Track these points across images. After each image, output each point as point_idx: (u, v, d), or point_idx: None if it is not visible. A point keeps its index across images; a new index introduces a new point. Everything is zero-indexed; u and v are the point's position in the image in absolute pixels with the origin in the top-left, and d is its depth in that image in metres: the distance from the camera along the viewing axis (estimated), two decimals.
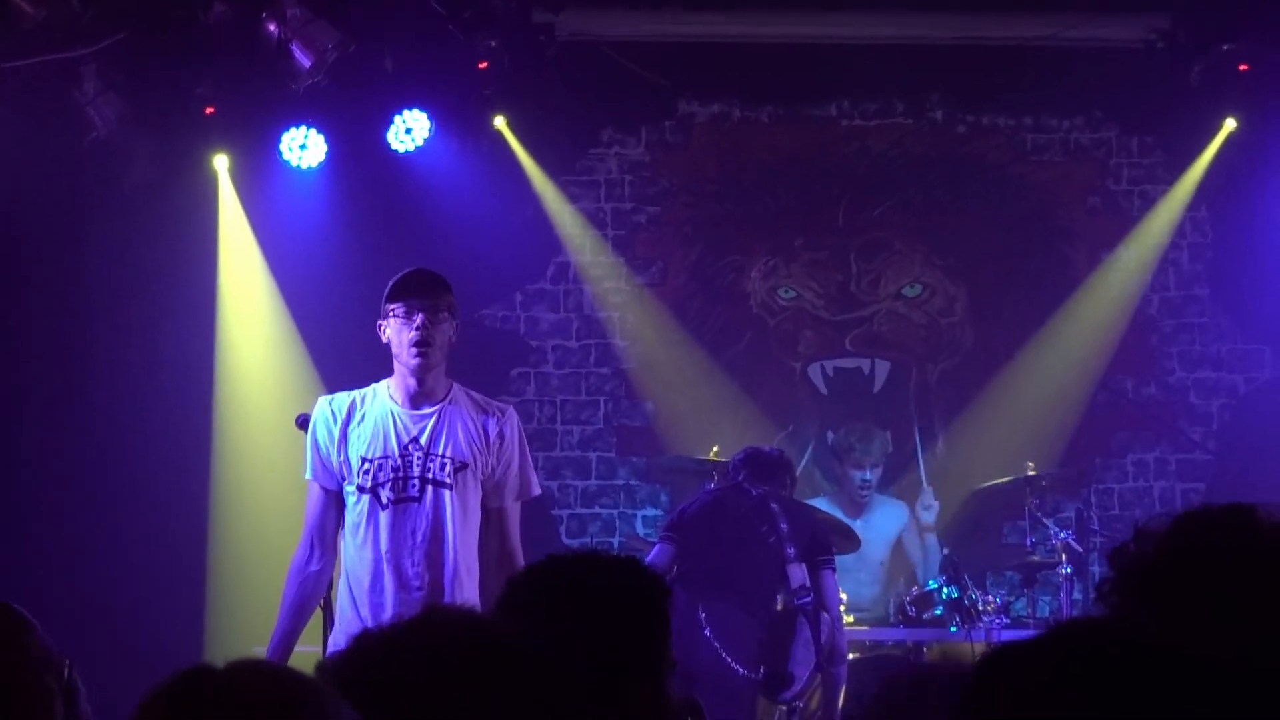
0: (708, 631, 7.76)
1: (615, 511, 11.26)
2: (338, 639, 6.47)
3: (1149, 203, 11.44)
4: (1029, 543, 9.87)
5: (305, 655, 6.05)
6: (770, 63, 11.34)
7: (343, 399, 6.74)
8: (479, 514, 6.66)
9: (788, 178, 11.45)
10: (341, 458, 6.62)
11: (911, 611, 9.44)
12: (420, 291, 6.60)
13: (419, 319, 6.53)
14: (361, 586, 6.56)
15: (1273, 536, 2.25)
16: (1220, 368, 11.40)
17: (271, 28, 9.52)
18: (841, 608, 9.14)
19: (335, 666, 2.43)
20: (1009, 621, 9.27)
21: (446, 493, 6.57)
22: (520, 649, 2.47)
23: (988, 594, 9.40)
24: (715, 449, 9.73)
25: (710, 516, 8.28)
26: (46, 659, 3.28)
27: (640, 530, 11.03)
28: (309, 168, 10.58)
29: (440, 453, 6.59)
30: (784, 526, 8.22)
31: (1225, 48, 10.54)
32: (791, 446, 10.99)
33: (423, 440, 6.61)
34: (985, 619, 9.12)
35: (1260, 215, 11.15)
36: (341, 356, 9.89)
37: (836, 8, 11.00)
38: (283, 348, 10.80)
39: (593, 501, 11.26)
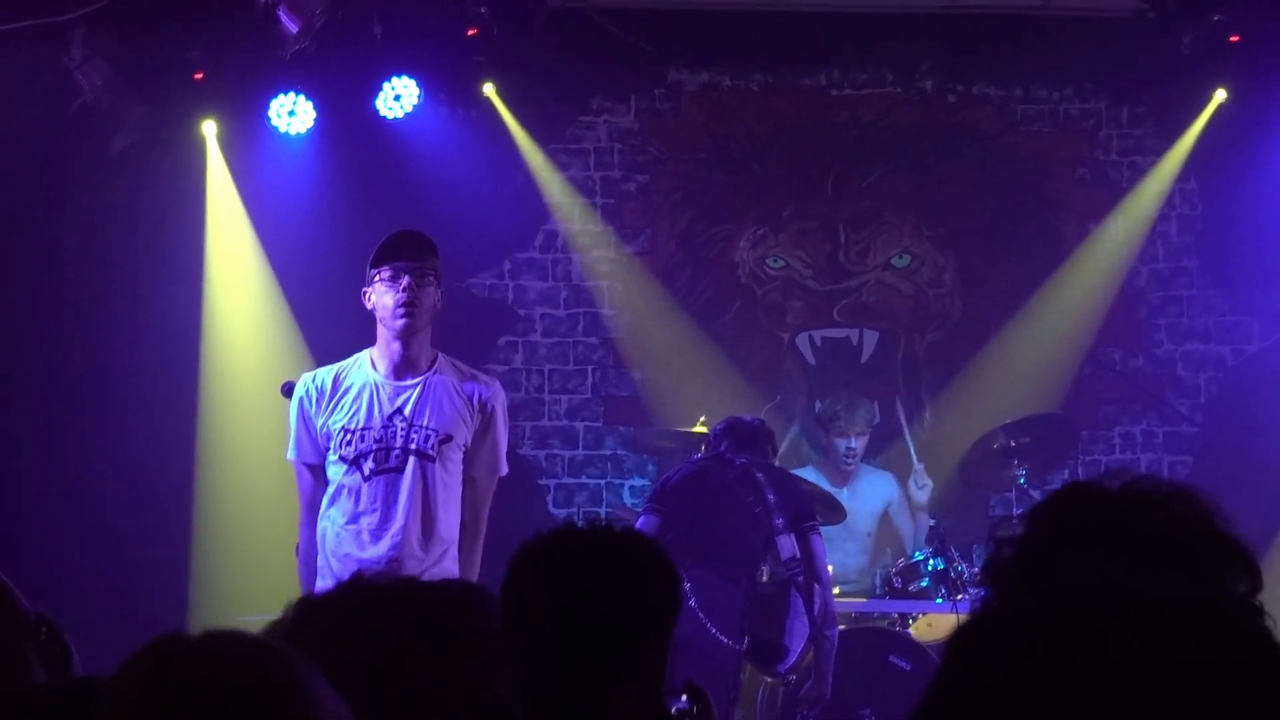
0: (693, 602, 7.75)
1: (602, 481, 11.26)
2: None
3: (1138, 174, 11.42)
4: (1016, 515, 9.85)
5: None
6: (760, 31, 11.31)
7: (325, 373, 6.73)
8: (460, 485, 6.66)
9: (777, 147, 11.42)
10: (325, 430, 6.61)
11: (897, 583, 9.43)
12: (408, 254, 6.58)
13: (405, 280, 6.52)
14: (341, 557, 6.54)
15: (1125, 503, 2.27)
16: (1208, 340, 11.40)
17: None
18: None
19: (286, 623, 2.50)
20: None
21: (430, 465, 6.56)
22: (451, 615, 2.53)
23: (974, 565, 9.40)
24: (702, 418, 9.71)
25: (693, 487, 8.27)
26: (22, 623, 3.25)
27: (627, 500, 11.02)
28: (297, 134, 10.55)
29: (424, 424, 6.59)
30: (771, 497, 8.20)
31: (1216, 18, 10.51)
32: (779, 416, 11.00)
33: (406, 411, 6.60)
34: (971, 591, 9.12)
35: (1250, 187, 11.13)
36: (329, 323, 9.87)
37: None
38: (270, 314, 10.78)
39: (580, 471, 11.26)
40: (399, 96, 10.60)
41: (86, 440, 10.43)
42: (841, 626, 8.92)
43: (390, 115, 10.64)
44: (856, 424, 10.22)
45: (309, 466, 6.69)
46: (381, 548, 6.52)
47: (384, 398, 6.61)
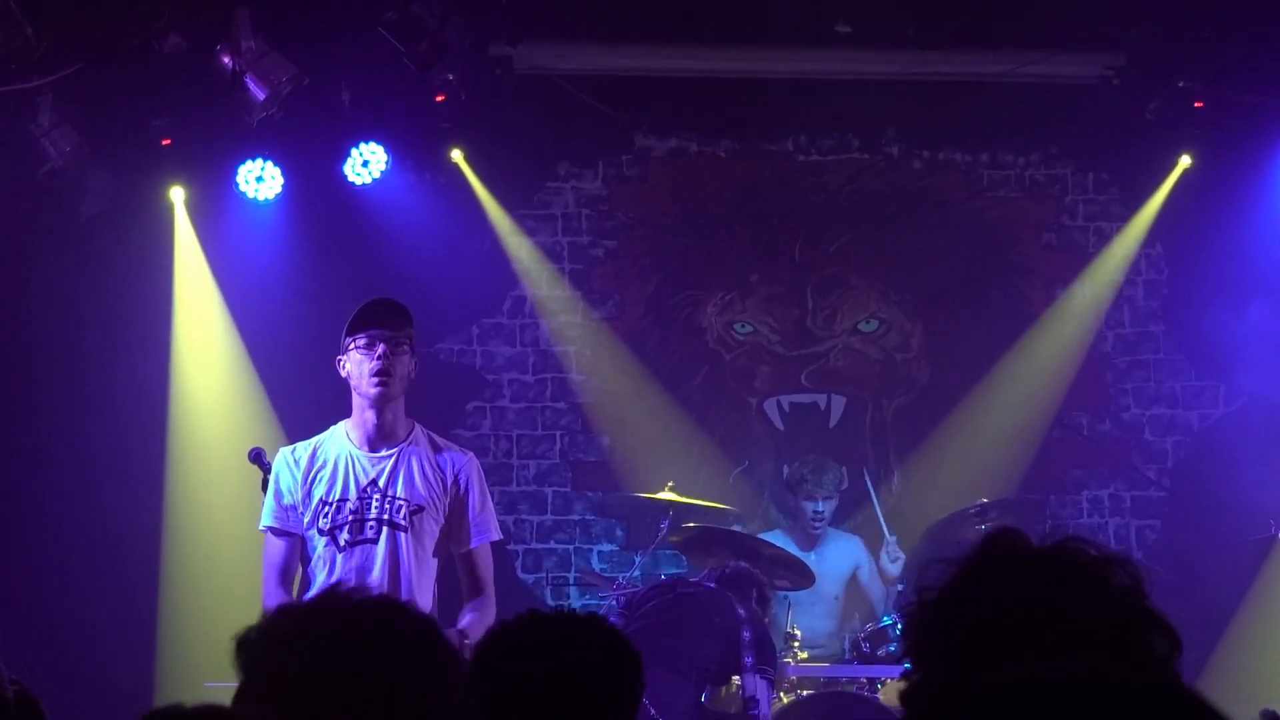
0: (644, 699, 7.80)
1: (571, 547, 11.23)
2: None
3: (1104, 239, 11.47)
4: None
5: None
6: (727, 98, 11.35)
7: (303, 448, 6.74)
8: (434, 557, 6.65)
9: (744, 212, 11.45)
10: (304, 505, 6.61)
11: (866, 648, 9.41)
12: (383, 321, 6.59)
13: (380, 348, 6.53)
14: None
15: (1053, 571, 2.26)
16: (1175, 404, 11.43)
17: (226, 60, 9.48)
18: (795, 644, 9.21)
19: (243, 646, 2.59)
20: None
21: (402, 535, 6.57)
22: (397, 636, 2.59)
23: None
24: (670, 484, 9.71)
25: (660, 593, 8.50)
26: None
27: (596, 565, 11.00)
28: (265, 200, 10.57)
29: (397, 495, 6.58)
30: (746, 634, 8.36)
31: (1180, 85, 10.60)
32: (747, 482, 11.00)
33: (380, 482, 6.60)
34: None
35: (1215, 252, 11.18)
36: (296, 390, 9.86)
37: (792, 43, 11.00)
38: (237, 381, 10.76)
39: (548, 536, 11.23)
40: (367, 162, 10.63)
41: (52, 508, 10.38)
42: (808, 690, 8.92)
43: (358, 181, 10.67)
44: (824, 487, 10.22)
45: (280, 535, 6.67)
46: None
47: (359, 470, 6.62)
